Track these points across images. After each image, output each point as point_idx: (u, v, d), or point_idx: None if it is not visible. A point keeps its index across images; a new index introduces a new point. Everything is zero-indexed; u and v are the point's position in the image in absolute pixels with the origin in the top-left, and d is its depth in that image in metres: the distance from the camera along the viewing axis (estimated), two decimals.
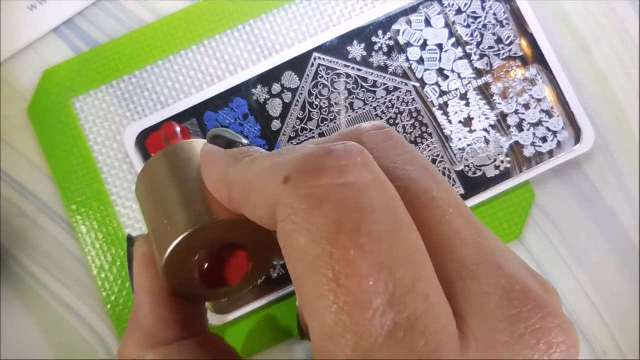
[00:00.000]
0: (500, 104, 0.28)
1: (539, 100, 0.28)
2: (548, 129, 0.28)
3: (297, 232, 0.12)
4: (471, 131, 0.28)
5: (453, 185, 0.27)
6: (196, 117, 0.27)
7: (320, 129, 0.28)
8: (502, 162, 0.27)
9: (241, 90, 0.28)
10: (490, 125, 0.28)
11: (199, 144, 0.18)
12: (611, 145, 0.29)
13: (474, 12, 0.28)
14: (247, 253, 0.17)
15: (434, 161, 0.28)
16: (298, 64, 0.28)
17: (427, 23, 0.28)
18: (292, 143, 0.28)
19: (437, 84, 0.28)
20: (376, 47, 0.28)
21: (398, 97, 0.28)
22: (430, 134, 0.28)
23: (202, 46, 0.29)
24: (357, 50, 0.28)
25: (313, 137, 0.28)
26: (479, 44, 0.28)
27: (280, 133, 0.28)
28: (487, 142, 0.28)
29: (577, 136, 0.27)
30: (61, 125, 0.28)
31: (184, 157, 0.18)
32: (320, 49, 0.28)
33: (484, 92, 0.28)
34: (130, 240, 0.19)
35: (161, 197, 0.17)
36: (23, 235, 0.28)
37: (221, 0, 0.29)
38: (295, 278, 0.12)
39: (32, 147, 0.29)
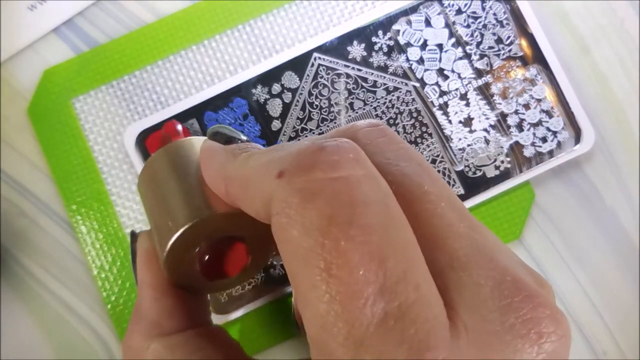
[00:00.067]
0: (500, 104, 0.28)
1: (539, 100, 0.28)
2: (548, 129, 0.28)
3: (291, 225, 0.12)
4: (471, 131, 0.28)
5: (453, 185, 0.27)
6: (196, 117, 0.27)
7: (320, 129, 0.28)
8: (502, 162, 0.27)
9: (241, 90, 0.28)
10: (490, 125, 0.28)
11: (199, 141, 0.19)
12: (611, 145, 0.29)
13: (474, 12, 0.28)
14: (246, 245, 0.18)
15: (434, 161, 0.28)
16: (298, 64, 0.28)
17: (427, 23, 0.28)
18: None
19: (437, 84, 0.28)
20: (376, 47, 0.28)
21: (398, 97, 0.28)
22: (430, 134, 0.28)
23: (202, 46, 0.29)
24: (357, 50, 0.28)
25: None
26: (479, 44, 0.28)
27: (280, 133, 0.28)
28: (487, 142, 0.28)
29: (577, 136, 0.28)
30: (61, 125, 0.28)
31: (184, 154, 0.18)
32: (320, 49, 0.28)
33: (484, 92, 0.28)
34: (134, 236, 0.19)
35: (162, 192, 0.18)
36: (23, 235, 0.28)
37: (221, 0, 0.29)
38: (289, 270, 0.12)
39: (32, 147, 0.29)
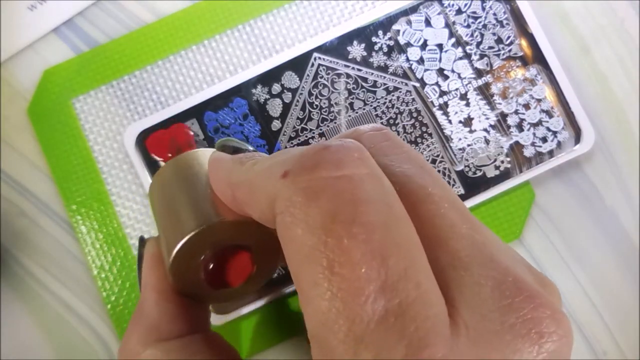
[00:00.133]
0: (500, 104, 0.28)
1: (539, 100, 0.28)
2: (548, 129, 0.28)
3: (295, 223, 0.12)
4: (471, 131, 0.28)
5: (453, 185, 0.27)
6: (196, 117, 0.27)
7: (320, 129, 0.28)
8: (502, 162, 0.27)
9: (241, 90, 0.28)
10: (490, 125, 0.28)
11: (207, 152, 0.19)
12: (611, 145, 0.29)
13: (474, 12, 0.28)
14: (252, 255, 0.18)
15: (434, 161, 0.28)
16: (298, 64, 0.28)
17: (427, 23, 0.28)
18: (292, 143, 0.28)
19: (437, 84, 0.28)
20: (376, 47, 0.28)
21: (398, 97, 0.28)
22: (430, 134, 0.28)
23: (202, 46, 0.29)
24: (357, 50, 0.28)
25: (313, 137, 0.28)
26: (479, 44, 0.28)
27: (280, 133, 0.28)
28: (487, 142, 0.28)
29: (577, 136, 0.28)
30: (61, 125, 0.28)
31: (194, 165, 0.19)
32: (320, 49, 0.28)
33: (484, 92, 0.28)
34: (142, 241, 0.19)
35: (171, 200, 0.18)
36: (23, 235, 0.28)
37: (221, 0, 0.29)
38: (292, 268, 0.13)
39: (32, 147, 0.29)
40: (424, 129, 0.28)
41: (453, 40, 0.28)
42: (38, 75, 0.29)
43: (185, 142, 0.26)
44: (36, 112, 0.28)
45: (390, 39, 0.28)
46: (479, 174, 0.27)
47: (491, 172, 0.27)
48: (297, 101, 0.28)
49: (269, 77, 0.28)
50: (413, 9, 0.28)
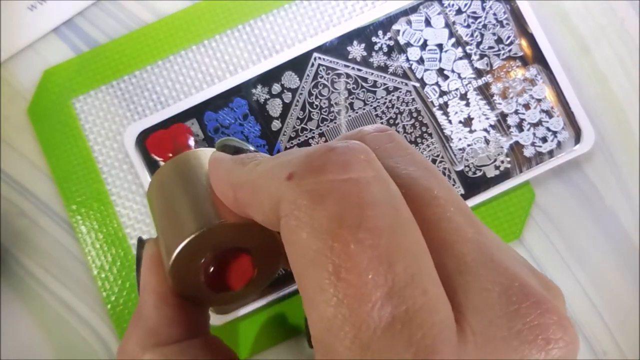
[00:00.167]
0: (500, 104, 0.28)
1: (539, 100, 0.28)
2: (548, 129, 0.28)
3: (300, 227, 0.12)
4: (471, 131, 0.28)
5: (453, 185, 0.27)
6: (196, 117, 0.27)
7: (320, 129, 0.28)
8: (502, 162, 0.27)
9: (241, 90, 0.28)
10: (490, 125, 0.28)
11: (208, 152, 0.19)
12: (611, 145, 0.29)
13: (474, 12, 0.28)
14: (253, 258, 0.18)
15: (434, 161, 0.28)
16: (298, 64, 0.28)
17: (427, 23, 0.28)
18: (292, 143, 0.28)
19: (437, 84, 0.28)
20: (376, 47, 0.28)
21: (398, 97, 0.28)
22: (430, 134, 0.28)
23: (202, 46, 0.29)
24: (357, 50, 0.28)
25: (313, 137, 0.28)
26: (479, 44, 0.28)
27: (280, 133, 0.28)
28: (487, 142, 0.28)
29: (577, 136, 0.27)
30: (61, 125, 0.28)
31: (194, 165, 0.18)
32: (320, 49, 0.28)
33: (484, 92, 0.28)
34: (141, 242, 0.19)
35: (170, 201, 0.18)
36: (23, 235, 0.28)
37: (221, 0, 0.29)
38: (297, 272, 0.12)
39: (32, 147, 0.29)
40: (424, 129, 0.28)
41: (453, 40, 0.28)
42: (38, 75, 0.29)
43: (185, 143, 0.26)
44: (36, 112, 0.28)
45: (390, 39, 0.28)
46: (479, 174, 0.27)
47: (491, 172, 0.27)
48: (297, 101, 0.28)
49: (269, 77, 0.28)
50: (413, 9, 0.28)
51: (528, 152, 0.27)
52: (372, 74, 0.28)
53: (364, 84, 0.28)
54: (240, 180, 0.15)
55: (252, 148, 0.17)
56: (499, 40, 0.28)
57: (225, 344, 0.18)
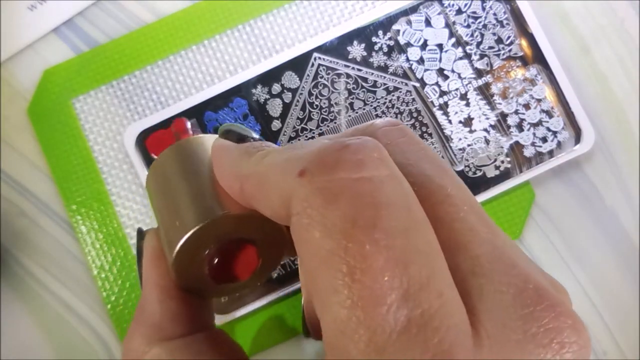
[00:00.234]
0: (500, 104, 0.28)
1: (539, 100, 0.28)
2: (548, 129, 0.28)
3: (312, 226, 0.12)
4: (471, 131, 0.28)
5: None
6: (196, 117, 0.27)
7: (320, 129, 0.28)
8: (502, 162, 0.27)
9: (241, 90, 0.28)
10: (490, 125, 0.28)
11: (210, 138, 0.18)
12: (611, 145, 0.29)
13: (474, 12, 0.28)
14: (257, 249, 0.17)
15: None
16: (298, 64, 0.28)
17: (427, 23, 0.28)
18: (292, 143, 0.28)
19: (437, 84, 0.28)
20: (376, 47, 0.28)
21: (398, 97, 0.28)
22: (430, 134, 0.28)
23: (202, 46, 0.29)
24: (357, 50, 0.28)
25: (313, 137, 0.28)
26: (479, 44, 0.28)
27: (280, 133, 0.28)
28: (487, 142, 0.28)
29: (577, 136, 0.28)
30: (61, 125, 0.28)
31: (195, 152, 0.18)
32: (320, 49, 0.28)
33: (484, 92, 0.28)
34: (141, 234, 0.18)
35: (171, 191, 0.17)
36: (23, 235, 0.28)
37: (221, 0, 0.29)
38: (309, 272, 0.12)
39: (32, 147, 0.29)
40: (424, 129, 0.28)
41: (453, 40, 0.28)
42: (38, 75, 0.29)
43: (183, 129, 0.25)
44: (36, 112, 0.28)
45: (390, 39, 0.28)
46: (479, 174, 0.27)
47: (491, 172, 0.27)
48: (297, 101, 0.28)
49: (269, 77, 0.28)
50: (413, 9, 0.28)
51: (528, 152, 0.27)
52: (372, 74, 0.28)
53: (364, 84, 0.28)
54: (246, 172, 0.15)
55: (256, 136, 0.17)
56: (499, 40, 0.28)
57: (230, 337, 0.18)
